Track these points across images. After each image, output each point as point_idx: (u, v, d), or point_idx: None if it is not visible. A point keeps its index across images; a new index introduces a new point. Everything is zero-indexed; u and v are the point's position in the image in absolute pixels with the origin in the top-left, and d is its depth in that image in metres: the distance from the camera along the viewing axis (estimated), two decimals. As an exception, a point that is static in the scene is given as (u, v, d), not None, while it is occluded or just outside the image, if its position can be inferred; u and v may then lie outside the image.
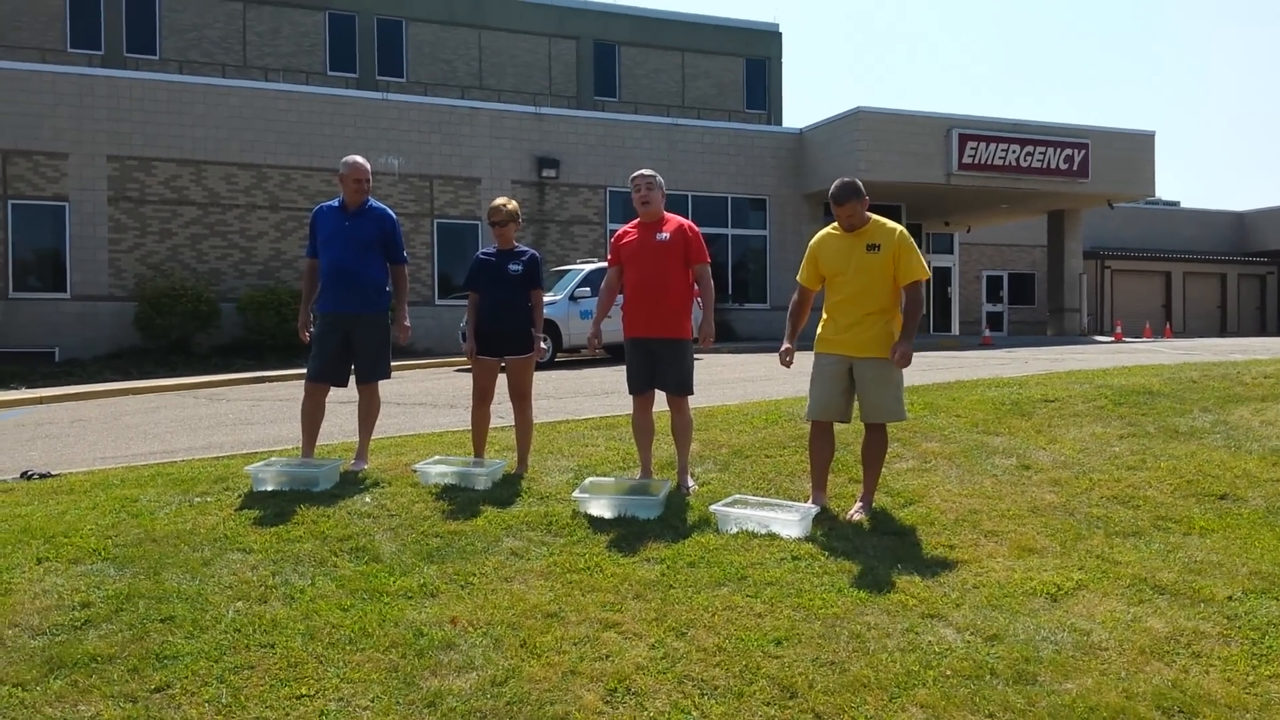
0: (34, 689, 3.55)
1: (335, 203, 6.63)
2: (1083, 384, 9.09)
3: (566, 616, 4.16)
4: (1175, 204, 42.31)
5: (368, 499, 5.70)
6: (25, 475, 6.85)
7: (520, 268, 6.52)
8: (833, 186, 5.65)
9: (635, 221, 6.20)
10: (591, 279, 17.22)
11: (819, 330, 5.79)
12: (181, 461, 7.34)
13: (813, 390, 5.78)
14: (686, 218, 6.29)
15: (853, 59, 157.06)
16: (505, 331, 6.53)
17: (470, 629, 4.03)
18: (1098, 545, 5.16)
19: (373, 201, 6.68)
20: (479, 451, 6.69)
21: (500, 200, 6.59)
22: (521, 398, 6.61)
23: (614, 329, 6.35)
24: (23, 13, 26.51)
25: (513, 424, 6.77)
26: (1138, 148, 25.41)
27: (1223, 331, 36.48)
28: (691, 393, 6.16)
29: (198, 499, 5.77)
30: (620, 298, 6.26)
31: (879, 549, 5.02)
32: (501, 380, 6.70)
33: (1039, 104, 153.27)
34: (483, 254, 6.66)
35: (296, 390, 9.52)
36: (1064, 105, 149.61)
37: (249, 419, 10.54)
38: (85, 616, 4.08)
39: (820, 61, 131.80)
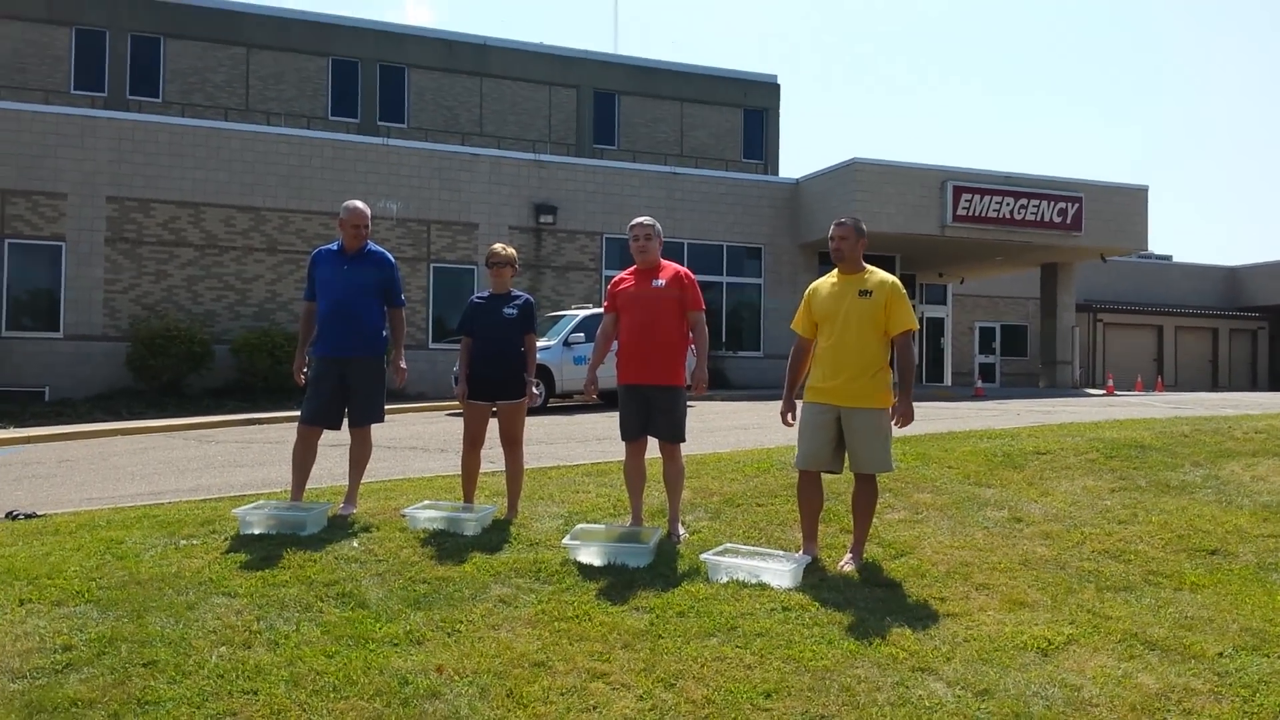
0: (11, 733, 3.50)
1: (334, 246, 6.66)
2: (1074, 437, 9.10)
3: (554, 666, 4.12)
4: (1168, 258, 42.56)
5: (355, 544, 5.66)
6: (10, 515, 6.81)
7: (514, 311, 6.54)
8: None
9: (632, 268, 6.24)
10: (586, 325, 17.26)
11: (807, 379, 5.80)
12: (168, 503, 7.30)
13: (801, 440, 5.77)
14: (683, 265, 6.34)
15: (849, 110, 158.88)
16: (498, 376, 6.53)
17: (456, 677, 3.99)
18: (1089, 599, 5.13)
19: (372, 245, 6.71)
20: (469, 497, 6.66)
21: (499, 244, 6.67)
22: (513, 443, 6.60)
23: (608, 375, 6.37)
24: (27, 54, 26.75)
25: (503, 469, 6.74)
26: (1131, 202, 25.61)
27: (1214, 386, 36.56)
28: (684, 440, 6.15)
29: (183, 542, 5.73)
30: (615, 344, 6.28)
31: (870, 600, 4.99)
32: (493, 425, 6.69)
33: (1032, 157, 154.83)
34: (477, 298, 6.68)
35: (287, 432, 9.50)
36: (1057, 159, 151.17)
37: (238, 461, 10.50)
38: (67, 660, 4.04)
39: (817, 112, 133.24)
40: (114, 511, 6.85)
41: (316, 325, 6.58)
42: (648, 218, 6.28)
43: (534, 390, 6.67)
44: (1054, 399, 19.62)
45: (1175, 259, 42.74)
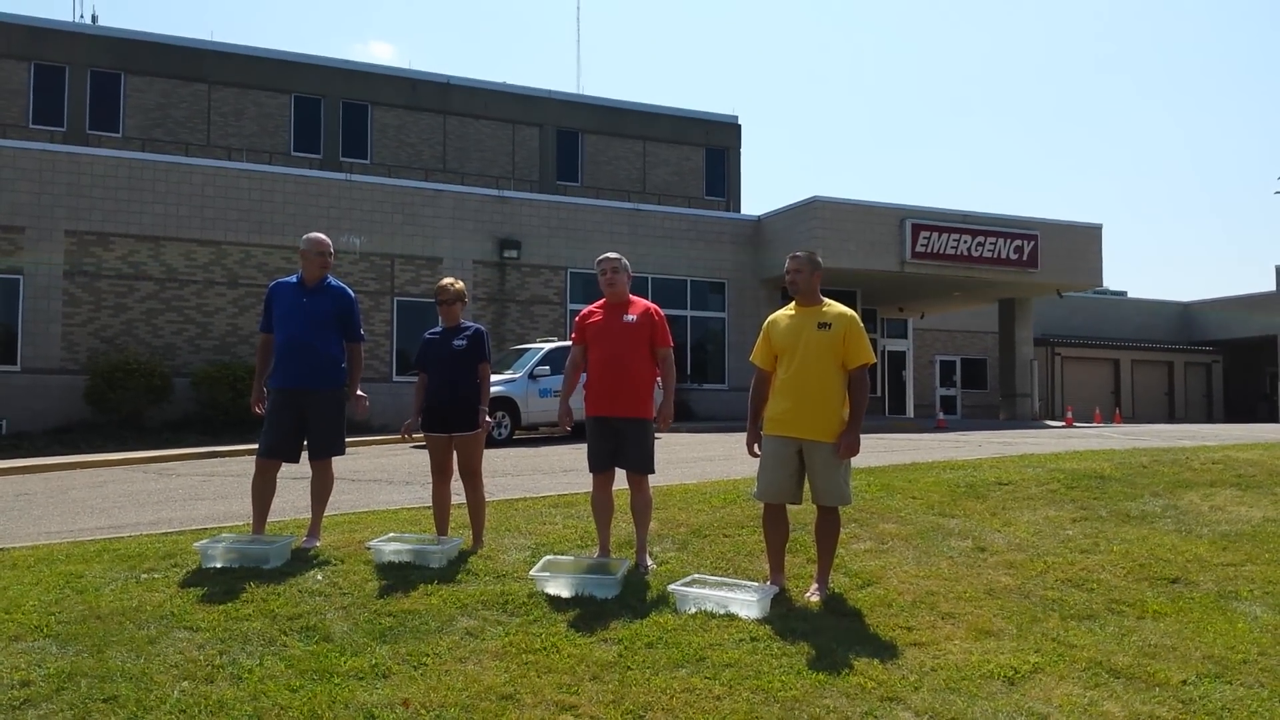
0: (-33, 772, 3.42)
1: (293, 279, 6.66)
2: (1035, 468, 9.19)
3: (522, 698, 4.09)
4: (1122, 294, 43.33)
5: (319, 577, 5.60)
6: (-34, 551, 6.67)
7: (463, 343, 6.59)
8: None
9: (601, 302, 6.28)
10: (551, 358, 17.25)
11: (767, 411, 5.81)
12: (129, 537, 7.18)
13: (761, 473, 5.78)
14: (648, 299, 6.39)
15: (810, 148, 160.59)
16: (449, 408, 6.55)
17: (423, 711, 3.95)
18: (1053, 628, 5.18)
19: (331, 279, 6.72)
20: (442, 530, 6.63)
21: (447, 280, 6.72)
22: (471, 475, 6.60)
23: (576, 407, 6.39)
24: (-16, 88, 26.51)
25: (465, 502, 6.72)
26: (1085, 239, 26.06)
27: (1171, 418, 37.08)
28: (652, 471, 6.17)
29: (144, 575, 5.64)
30: (583, 376, 6.31)
31: (837, 630, 5.00)
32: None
33: (990, 195, 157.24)
34: (429, 334, 6.77)
35: (249, 465, 9.35)
36: (1014, 196, 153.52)
37: (200, 494, 10.36)
38: (25, 695, 3.96)
39: (778, 150, 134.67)
40: (73, 545, 6.73)
41: (274, 357, 6.56)
42: (615, 253, 6.35)
43: (487, 419, 6.67)
44: (1014, 431, 19.81)
45: (1130, 294, 43.54)
